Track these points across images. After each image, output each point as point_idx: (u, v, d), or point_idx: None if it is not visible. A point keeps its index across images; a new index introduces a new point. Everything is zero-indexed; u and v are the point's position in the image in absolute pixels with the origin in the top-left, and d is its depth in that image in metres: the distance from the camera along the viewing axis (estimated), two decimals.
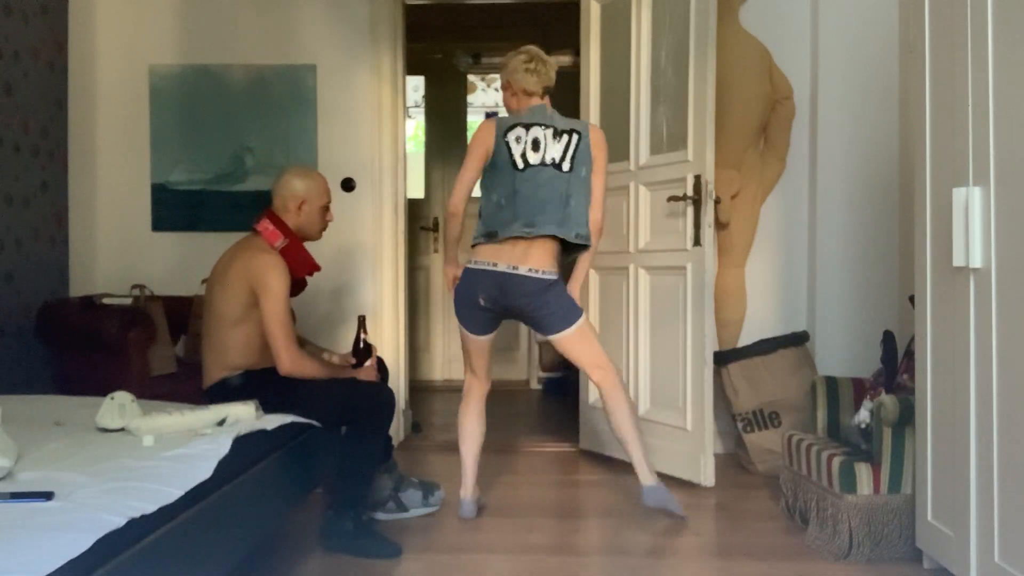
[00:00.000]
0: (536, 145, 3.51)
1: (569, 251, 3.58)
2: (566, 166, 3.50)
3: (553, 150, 3.51)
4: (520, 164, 3.50)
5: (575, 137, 3.53)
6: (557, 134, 3.52)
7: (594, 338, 3.60)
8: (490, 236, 3.49)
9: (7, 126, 4.08)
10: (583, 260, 3.61)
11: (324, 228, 3.50)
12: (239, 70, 4.87)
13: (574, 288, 3.61)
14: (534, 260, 3.45)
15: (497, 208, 3.50)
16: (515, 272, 3.43)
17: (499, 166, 3.51)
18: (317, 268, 3.47)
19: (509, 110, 3.68)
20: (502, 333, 7.27)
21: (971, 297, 2.56)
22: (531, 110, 3.58)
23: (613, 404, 3.56)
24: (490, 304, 3.49)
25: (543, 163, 3.50)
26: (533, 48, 3.66)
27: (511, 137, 3.52)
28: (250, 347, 3.29)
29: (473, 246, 3.56)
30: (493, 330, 3.63)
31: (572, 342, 3.54)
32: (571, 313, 3.52)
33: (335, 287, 4.86)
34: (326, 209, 3.48)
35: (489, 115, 16.70)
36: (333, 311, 4.87)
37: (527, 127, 3.53)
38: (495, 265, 3.45)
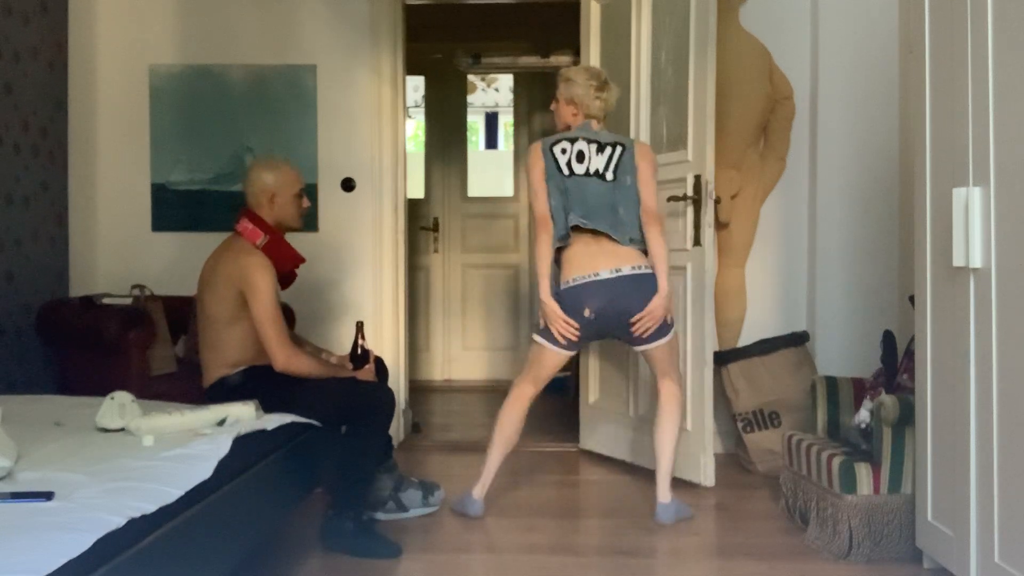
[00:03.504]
0: (580, 157, 3.57)
1: None
2: (609, 176, 3.55)
3: (597, 161, 3.56)
4: (566, 171, 3.56)
5: (619, 149, 3.58)
6: (601, 148, 3.58)
7: (678, 351, 3.68)
8: (562, 239, 3.52)
9: (7, 126, 4.08)
10: (658, 255, 3.49)
11: (302, 215, 3.47)
12: (239, 70, 4.87)
13: (662, 284, 3.48)
14: (631, 258, 3.47)
15: (556, 212, 3.54)
16: (620, 275, 3.45)
17: (549, 176, 3.57)
18: (302, 260, 3.47)
19: (562, 122, 3.71)
20: (502, 332, 7.21)
21: (971, 297, 2.56)
22: (579, 129, 3.64)
23: (664, 417, 3.62)
24: (598, 316, 3.46)
25: (587, 173, 3.55)
26: (602, 72, 3.71)
27: (557, 150, 3.59)
28: (247, 343, 3.29)
29: (556, 261, 3.55)
30: (584, 345, 3.67)
31: (662, 351, 3.58)
32: (667, 323, 3.55)
33: (334, 287, 4.86)
34: (300, 196, 3.44)
35: (490, 116, 16.78)
36: (332, 311, 4.87)
37: (572, 141, 3.60)
38: (597, 274, 3.45)
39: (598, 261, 3.47)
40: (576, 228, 3.52)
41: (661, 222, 3.58)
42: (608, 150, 3.57)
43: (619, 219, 3.52)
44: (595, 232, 3.51)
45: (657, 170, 3.66)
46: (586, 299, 3.46)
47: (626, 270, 3.46)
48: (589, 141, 3.58)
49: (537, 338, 3.60)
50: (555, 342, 3.53)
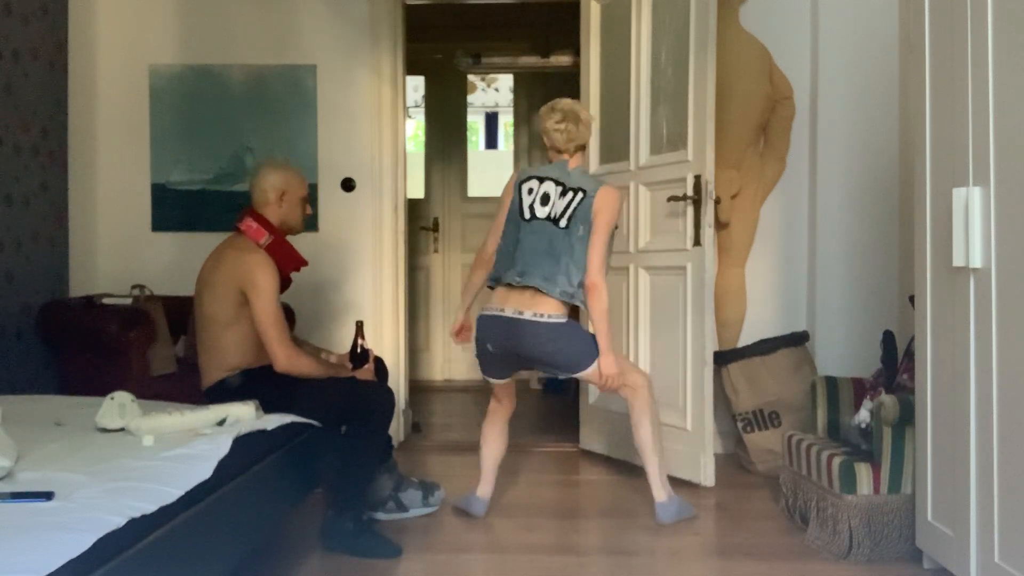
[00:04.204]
0: (545, 200, 3.55)
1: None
2: (563, 223, 3.49)
3: (558, 206, 3.53)
4: (527, 215, 3.55)
5: (579, 195, 3.50)
6: (565, 191, 3.54)
7: (622, 363, 3.59)
8: (496, 280, 3.56)
9: (7, 126, 4.07)
10: (596, 324, 3.47)
11: (304, 221, 3.50)
12: (239, 70, 4.87)
13: (604, 353, 3.47)
14: (541, 306, 3.44)
15: (504, 255, 3.56)
16: (520, 317, 3.44)
17: (510, 215, 3.60)
18: (304, 263, 3.47)
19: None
20: None
21: (971, 297, 2.56)
22: (551, 167, 3.62)
23: (635, 414, 3.60)
24: (499, 350, 3.51)
25: (548, 217, 3.53)
26: (567, 105, 3.63)
27: (525, 188, 3.59)
28: (245, 346, 3.29)
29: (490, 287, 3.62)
30: (508, 375, 3.65)
31: (593, 378, 3.56)
32: (588, 352, 3.48)
33: (334, 287, 4.86)
34: (305, 201, 3.47)
35: (490, 116, 16.79)
36: (332, 311, 4.87)
37: (541, 180, 3.58)
38: (502, 311, 3.48)
39: (511, 299, 3.47)
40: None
41: (598, 289, 3.43)
42: (570, 195, 3.52)
43: (558, 270, 3.44)
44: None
45: (616, 217, 3.54)
46: (487, 333, 3.51)
47: (527, 315, 3.42)
48: (556, 183, 3.55)
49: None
50: (485, 372, 3.64)
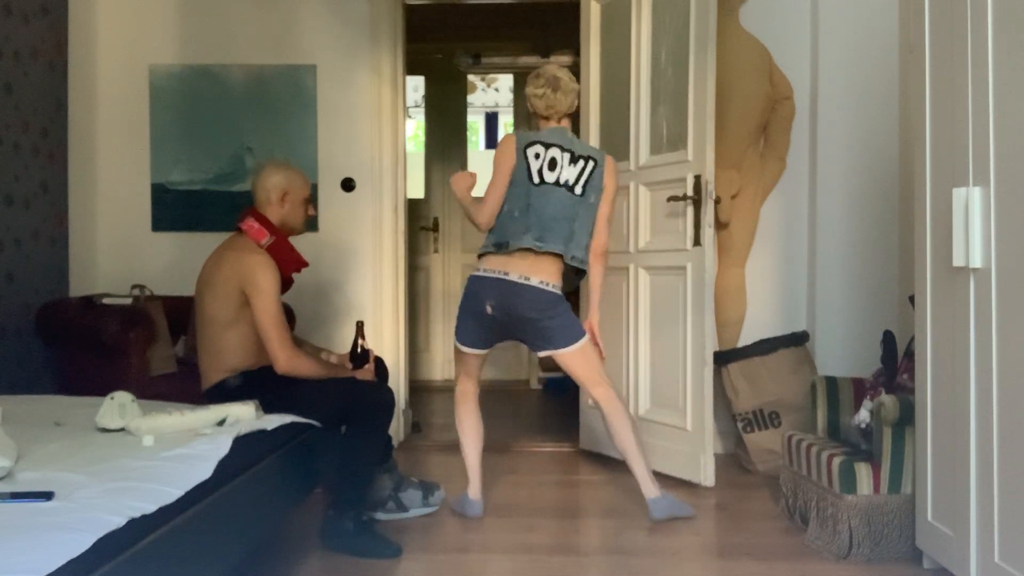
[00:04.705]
0: (553, 165, 3.56)
1: (571, 279, 3.64)
2: (578, 190, 3.55)
3: (568, 172, 3.56)
4: (536, 179, 3.55)
5: (591, 164, 3.58)
6: (574, 159, 3.57)
7: (595, 357, 3.64)
8: (500, 246, 3.52)
9: (7, 126, 4.07)
10: (594, 285, 3.63)
11: (306, 221, 3.49)
12: (239, 70, 4.87)
13: (593, 313, 3.65)
14: (544, 273, 3.49)
15: (509, 219, 3.54)
16: (526, 283, 3.47)
17: (516, 179, 3.56)
18: (305, 264, 3.47)
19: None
20: None
21: (971, 297, 2.56)
22: (551, 131, 3.63)
23: (614, 420, 3.61)
24: (497, 313, 3.50)
25: (557, 183, 3.55)
26: (551, 71, 3.65)
27: (530, 152, 3.58)
28: (245, 348, 3.28)
29: (480, 256, 3.59)
30: (491, 345, 3.67)
31: (574, 358, 3.58)
32: (575, 331, 3.57)
33: (334, 287, 4.86)
34: (308, 202, 3.47)
35: (490, 116, 16.78)
36: (332, 311, 4.87)
37: (546, 146, 3.58)
38: (506, 274, 3.48)
39: (513, 264, 3.49)
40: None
41: (606, 259, 3.64)
42: (581, 163, 3.57)
43: (572, 234, 3.53)
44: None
45: (618, 186, 3.69)
46: (488, 293, 3.50)
47: (534, 281, 3.48)
48: (563, 150, 3.57)
49: (455, 341, 3.69)
50: (465, 342, 3.63)
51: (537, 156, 3.57)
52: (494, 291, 3.49)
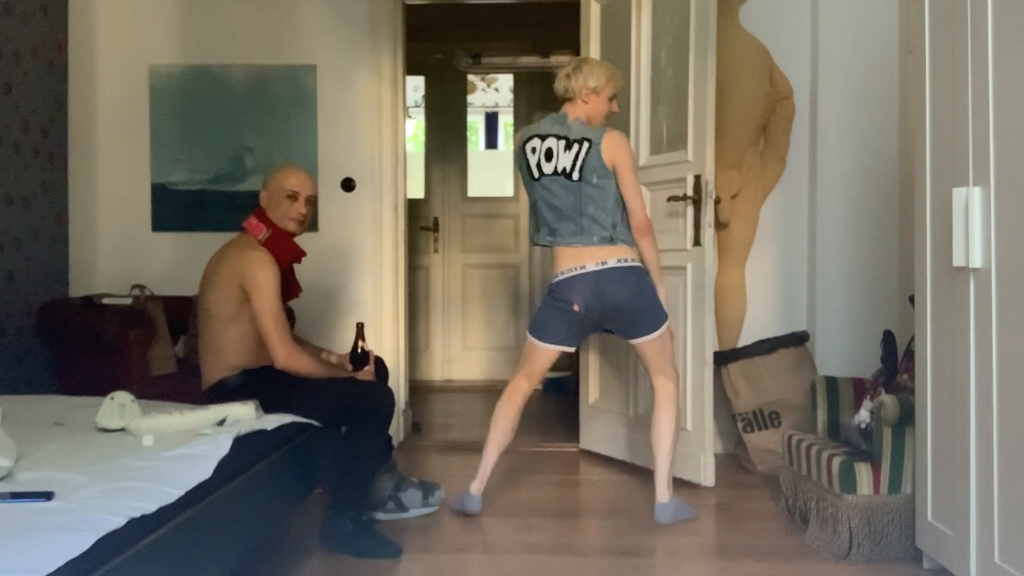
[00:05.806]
0: (549, 155, 3.58)
1: None
2: (575, 176, 3.54)
3: (564, 159, 3.55)
4: (535, 173, 3.59)
5: (585, 145, 3.53)
6: (569, 144, 3.56)
7: (670, 346, 3.65)
8: (537, 243, 3.69)
9: (7, 126, 4.07)
10: (648, 262, 3.59)
11: (294, 219, 3.37)
12: (239, 70, 4.87)
13: (659, 290, 3.62)
14: (610, 253, 3.50)
15: (532, 216, 3.68)
16: (604, 268, 3.48)
17: (523, 177, 3.67)
18: (302, 253, 3.46)
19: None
20: (502, 332, 7.21)
21: (971, 297, 2.56)
22: (550, 120, 3.65)
23: (662, 415, 3.62)
24: (585, 309, 3.51)
25: (555, 173, 3.56)
26: (583, 58, 3.80)
27: (528, 148, 3.62)
28: (245, 345, 3.29)
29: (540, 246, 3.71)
30: (578, 343, 3.71)
31: (651, 346, 3.59)
32: (659, 314, 3.58)
33: (334, 287, 4.86)
34: (292, 198, 3.36)
35: (490, 116, 16.78)
36: (332, 311, 4.87)
37: (543, 138, 3.60)
38: (583, 267, 3.50)
39: (583, 255, 3.52)
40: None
41: (650, 231, 3.59)
42: (575, 147, 3.54)
43: (586, 221, 3.52)
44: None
45: (633, 158, 3.63)
46: (573, 293, 3.50)
47: (612, 262, 3.49)
48: (559, 137, 3.57)
49: (529, 335, 3.67)
50: (548, 340, 3.60)
51: (534, 151, 3.60)
52: (578, 288, 3.50)
